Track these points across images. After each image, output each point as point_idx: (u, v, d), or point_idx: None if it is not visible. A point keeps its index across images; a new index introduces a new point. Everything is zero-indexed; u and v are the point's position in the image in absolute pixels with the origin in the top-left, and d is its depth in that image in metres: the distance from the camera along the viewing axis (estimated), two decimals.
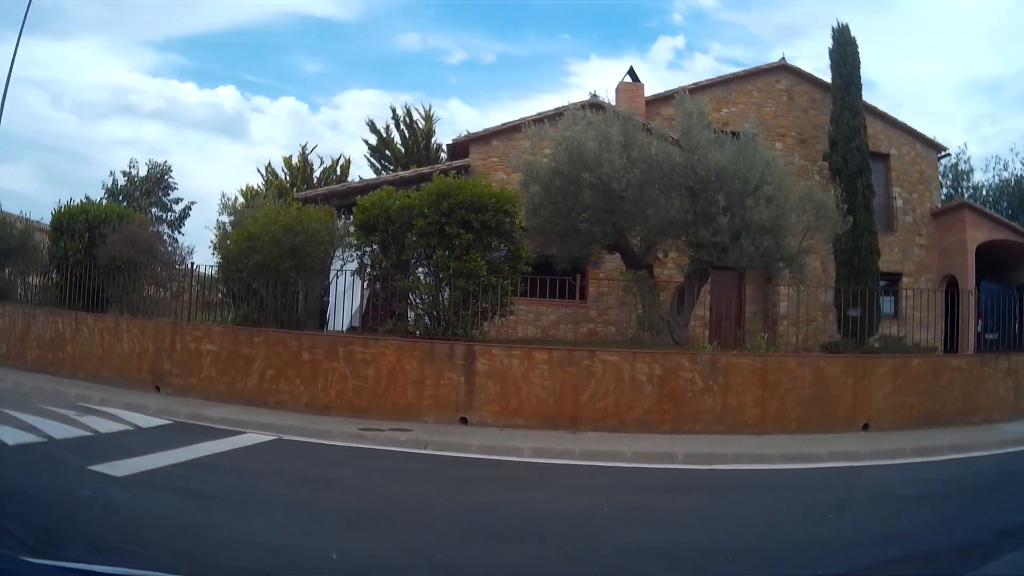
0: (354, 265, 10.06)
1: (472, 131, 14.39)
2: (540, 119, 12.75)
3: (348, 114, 52.15)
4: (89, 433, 7.25)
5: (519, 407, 8.56)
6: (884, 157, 18.72)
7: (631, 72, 16.60)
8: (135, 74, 56.86)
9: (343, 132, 57.71)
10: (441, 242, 9.59)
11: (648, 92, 16.63)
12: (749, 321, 16.25)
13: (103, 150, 54.34)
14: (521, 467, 7.01)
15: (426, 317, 9.76)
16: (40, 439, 6.72)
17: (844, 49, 17.63)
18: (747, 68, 18.13)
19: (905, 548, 4.02)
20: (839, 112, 17.32)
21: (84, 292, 11.18)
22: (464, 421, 8.63)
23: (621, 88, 16.64)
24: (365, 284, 10.27)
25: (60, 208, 11.81)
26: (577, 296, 13.57)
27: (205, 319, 10.60)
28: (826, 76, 17.35)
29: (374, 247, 9.83)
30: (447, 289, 9.66)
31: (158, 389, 9.87)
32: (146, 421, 8.21)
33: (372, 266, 9.87)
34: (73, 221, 11.58)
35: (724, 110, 17.13)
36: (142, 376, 10.08)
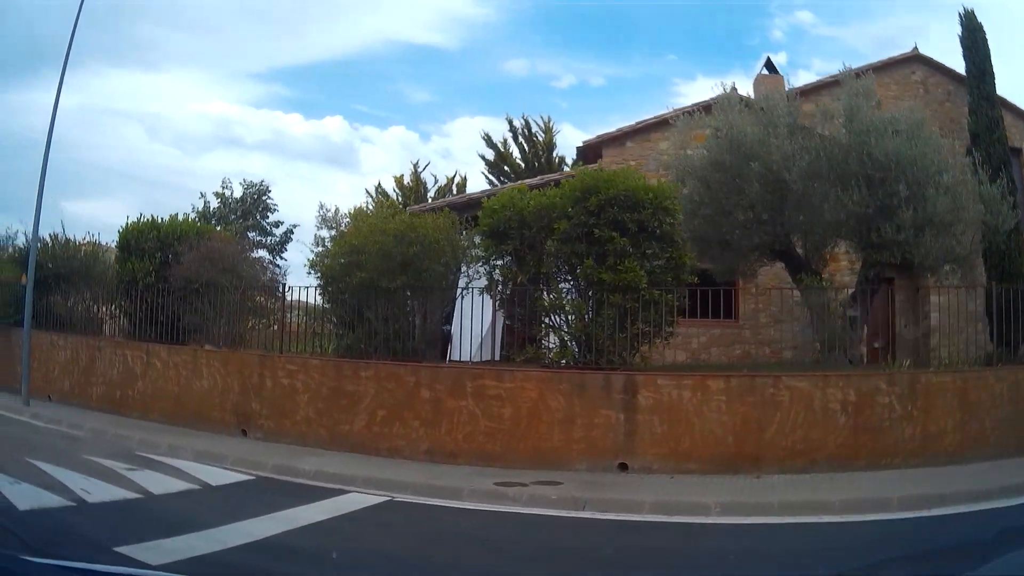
0: (482, 282, 8.22)
1: (604, 132, 12.81)
2: (690, 111, 10.98)
3: (459, 142, 49.92)
4: (136, 495, 5.85)
5: (691, 448, 7.27)
6: (1016, 152, 16.62)
7: (768, 64, 14.72)
8: (237, 106, 55.69)
9: (455, 160, 58.01)
10: (590, 249, 7.78)
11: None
12: (901, 333, 14.02)
13: (208, 183, 54.11)
14: (717, 532, 5.55)
15: (573, 342, 7.82)
16: (66, 502, 5.38)
17: (973, 35, 15.74)
18: (880, 60, 15.98)
19: None
20: (977, 103, 15.37)
21: (156, 320, 9.83)
22: (623, 467, 7.29)
23: (759, 81, 14.75)
24: (496, 304, 8.42)
25: (127, 225, 10.36)
26: (724, 315, 11.57)
27: (301, 350, 8.93)
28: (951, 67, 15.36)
29: (506, 258, 7.98)
30: (596, 307, 7.75)
31: (244, 433, 8.66)
32: (219, 476, 6.83)
33: (504, 282, 8.01)
34: (142, 239, 10.28)
35: None
36: (225, 417, 8.92)
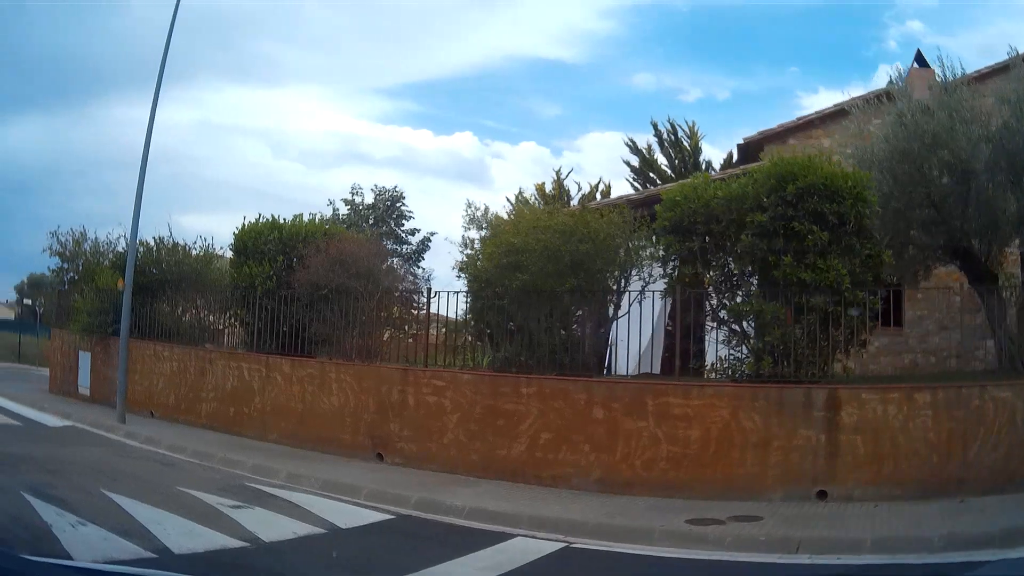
0: (658, 285, 7.29)
1: (766, 128, 12.02)
2: (865, 98, 10.11)
3: (590, 157, 49.26)
4: (238, 542, 4.67)
5: (893, 471, 6.50)
6: None
7: (919, 57, 13.59)
8: (364, 122, 57.49)
9: (588, 175, 57.18)
10: (788, 245, 6.75)
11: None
12: None
13: (336, 198, 56.79)
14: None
15: (769, 352, 6.82)
16: (140, 552, 4.19)
17: None
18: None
19: None
20: None
21: (277, 330, 9.10)
22: (822, 496, 6.47)
23: (912, 75, 13.65)
24: (669, 309, 7.47)
25: (243, 226, 9.71)
26: (892, 322, 10.61)
27: (449, 363, 8.08)
28: None
29: (692, 256, 7.05)
30: (795, 311, 6.78)
31: (380, 457, 7.96)
32: (350, 515, 5.81)
33: (685, 284, 7.07)
34: (261, 241, 9.61)
35: None
36: (358, 440, 8.22)
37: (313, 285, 8.63)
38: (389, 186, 23.21)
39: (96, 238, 13.73)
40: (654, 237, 7.51)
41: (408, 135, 54.29)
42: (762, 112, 59.82)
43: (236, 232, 10.01)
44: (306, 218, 10.41)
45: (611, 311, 7.71)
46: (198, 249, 11.58)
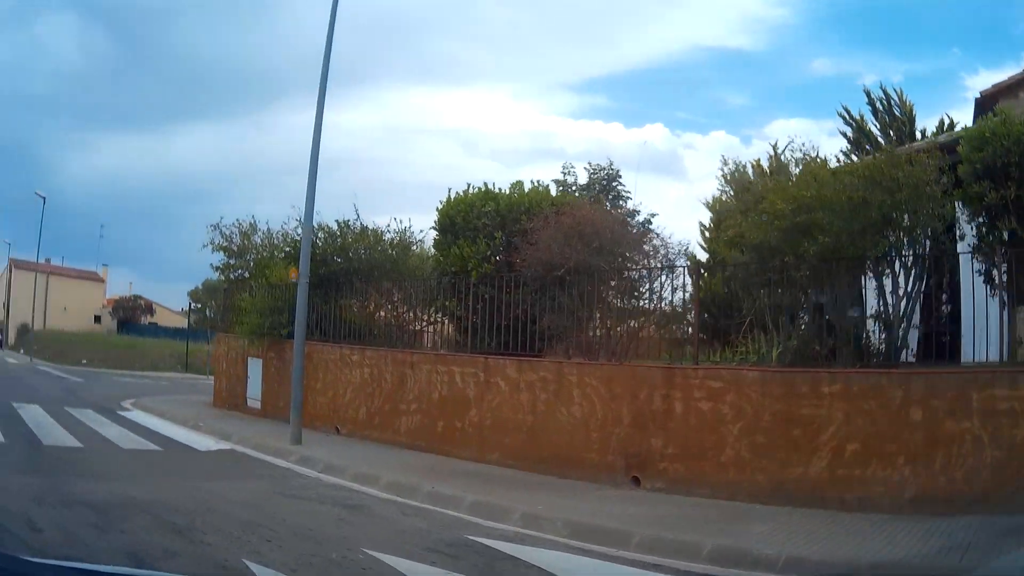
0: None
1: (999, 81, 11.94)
2: None
3: (780, 144, 59.76)
4: None
5: None
6: None
7: None
8: (555, 117, 78.33)
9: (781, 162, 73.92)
10: None
11: None
12: None
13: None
14: None
15: None
16: None
17: None
18: None
19: None
20: None
21: (496, 324, 10.53)
22: None
23: None
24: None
25: (450, 199, 11.29)
26: None
27: (727, 359, 9.04)
28: None
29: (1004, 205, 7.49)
30: None
31: (636, 482, 8.87)
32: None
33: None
34: (473, 214, 11.12)
35: None
36: (607, 460, 9.21)
37: (544, 265, 9.93)
38: (604, 163, 25.09)
39: (268, 228, 16.35)
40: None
41: (600, 129, 68.71)
42: (931, 94, 76.25)
43: (441, 206, 11.60)
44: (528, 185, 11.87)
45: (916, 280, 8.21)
46: (392, 233, 13.54)
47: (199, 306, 44.92)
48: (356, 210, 13.82)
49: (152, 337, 54.49)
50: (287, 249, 14.92)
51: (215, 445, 11.83)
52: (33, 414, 13.65)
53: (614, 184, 24.64)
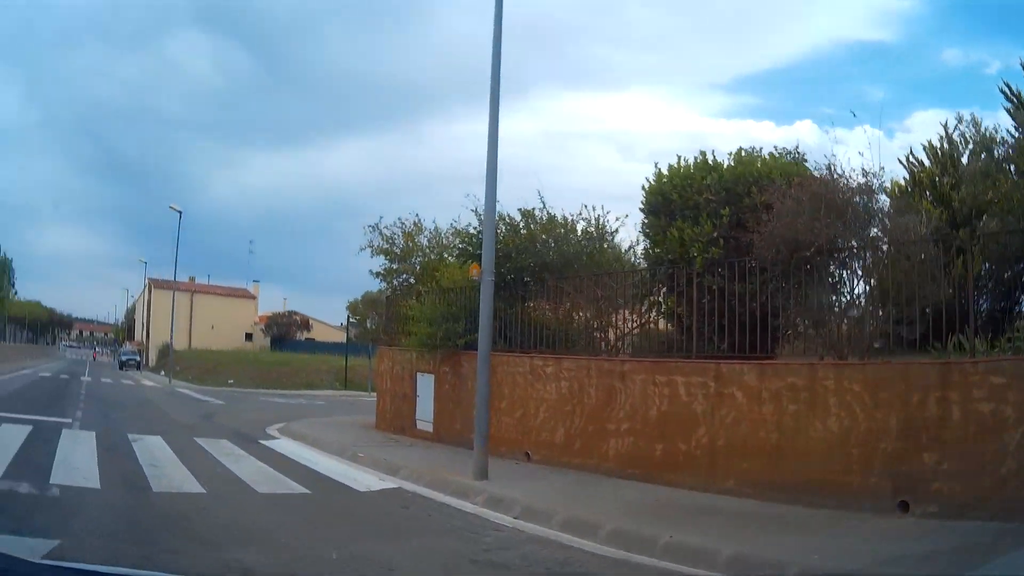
0: None
1: None
2: None
3: (921, 136, 65.61)
4: None
5: None
6: None
7: None
8: (708, 118, 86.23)
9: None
10: None
11: None
12: None
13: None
14: None
15: None
16: None
17: None
18: None
19: None
20: None
21: (730, 321, 9.77)
22: None
23: None
24: None
25: (659, 174, 10.58)
26: None
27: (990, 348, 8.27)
28: None
29: None
30: None
31: (904, 508, 8.15)
32: None
33: None
34: (692, 189, 10.31)
35: None
36: (869, 483, 8.54)
37: (788, 244, 8.97)
38: (790, 146, 25.02)
39: (436, 227, 16.02)
40: None
41: (751, 128, 70.42)
42: None
43: (649, 185, 10.87)
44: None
45: None
46: (584, 222, 12.92)
47: (358, 319, 46.14)
48: (540, 197, 13.30)
49: (308, 353, 56.71)
50: (460, 245, 14.47)
51: (379, 482, 10.87)
52: (151, 448, 12.72)
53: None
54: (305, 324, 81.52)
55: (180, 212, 43.70)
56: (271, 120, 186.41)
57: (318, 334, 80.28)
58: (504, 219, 13.13)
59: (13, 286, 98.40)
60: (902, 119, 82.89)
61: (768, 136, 76.54)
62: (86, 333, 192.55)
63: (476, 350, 11.16)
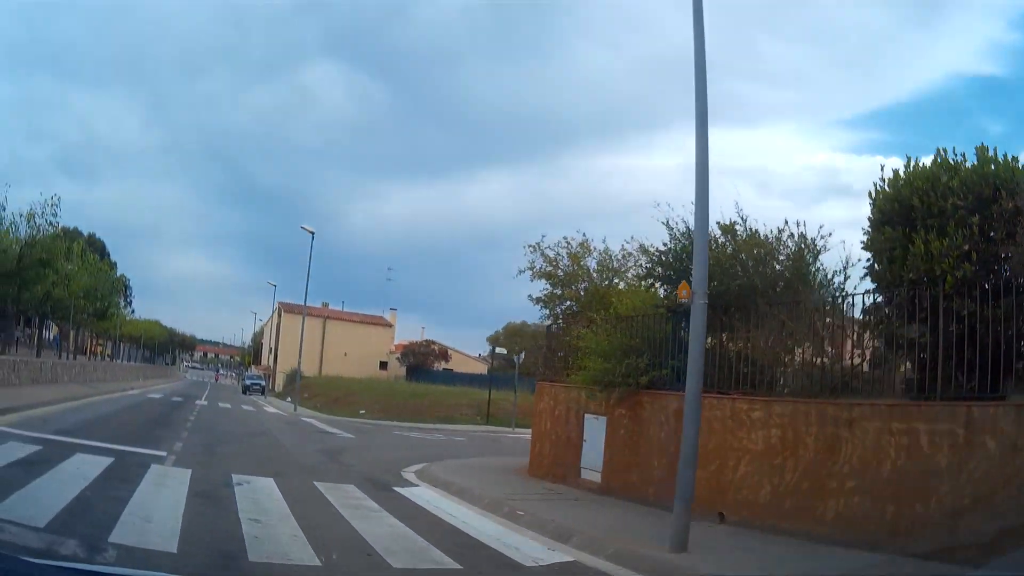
0: None
1: None
2: None
3: None
4: None
5: None
6: None
7: None
8: (839, 154, 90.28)
9: None
10: None
11: None
12: None
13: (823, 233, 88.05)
14: None
15: None
16: None
17: None
18: None
19: None
20: None
21: (981, 355, 9.01)
22: None
23: None
24: None
25: (895, 176, 9.91)
26: None
27: None
28: None
29: None
30: None
31: None
32: None
33: None
34: (936, 195, 9.69)
35: None
36: None
37: None
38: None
39: (606, 248, 15.47)
40: None
41: (880, 164, 72.42)
42: None
43: (881, 189, 10.06)
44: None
45: None
46: (791, 240, 12.18)
47: (504, 351, 46.32)
48: (739, 211, 12.62)
49: (445, 384, 56.69)
50: (646, 265, 13.78)
51: (547, 553, 9.68)
52: (257, 495, 11.48)
53: None
54: (443, 354, 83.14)
55: (312, 233, 45.21)
56: (408, 151, 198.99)
57: (456, 365, 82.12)
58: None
59: (130, 304, 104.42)
60: (1019, 150, 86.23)
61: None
62: (210, 355, 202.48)
63: (659, 389, 10.94)
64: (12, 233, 35.25)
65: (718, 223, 12.66)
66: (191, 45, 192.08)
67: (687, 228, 12.55)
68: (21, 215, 35.53)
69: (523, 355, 39.31)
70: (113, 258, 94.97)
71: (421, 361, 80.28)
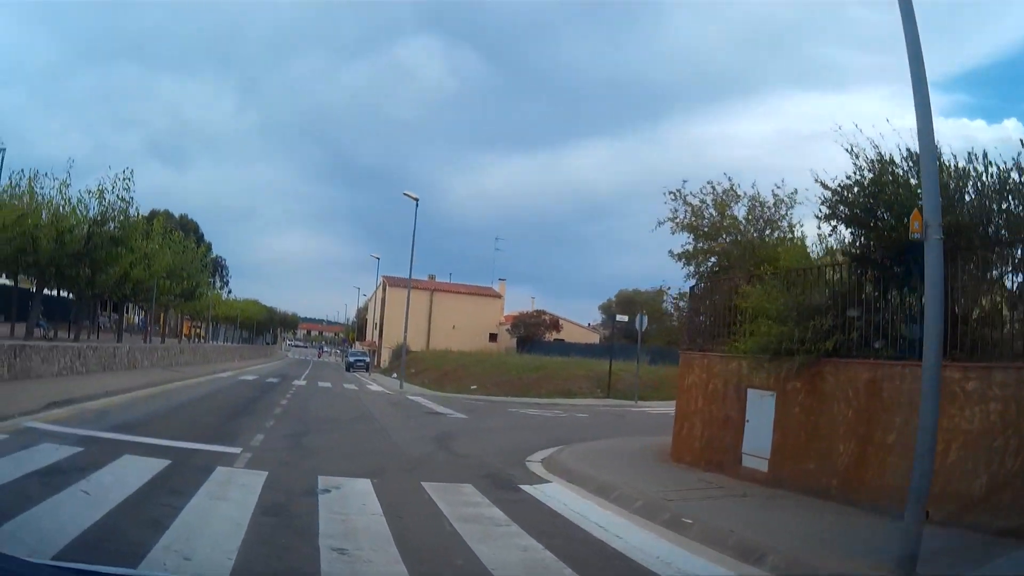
0: None
1: None
2: None
3: None
4: None
5: None
6: None
7: None
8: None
9: None
10: None
11: None
12: None
13: None
14: None
15: None
16: None
17: None
18: None
19: None
20: None
21: None
22: None
23: None
24: None
25: None
26: None
27: None
28: None
29: None
30: None
31: None
32: None
33: None
34: None
35: None
36: None
37: None
38: (1002, 144, 22.91)
39: (756, 193, 13.95)
40: None
41: (966, 127, 61.68)
42: None
43: None
44: None
45: None
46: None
47: (624, 318, 44.82)
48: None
49: (559, 355, 55.19)
50: (821, 204, 12.02)
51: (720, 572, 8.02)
52: (347, 505, 9.69)
53: None
54: (554, 324, 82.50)
55: (416, 199, 44.06)
56: (507, 123, 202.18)
57: (567, 335, 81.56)
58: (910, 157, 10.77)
59: (227, 285, 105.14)
60: None
61: (980, 135, 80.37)
62: (314, 333, 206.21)
63: (843, 358, 10.08)
64: (80, 211, 33.17)
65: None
66: (281, 27, 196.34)
67: (879, 156, 11.03)
68: (90, 191, 33.60)
69: (645, 321, 37.11)
70: (207, 239, 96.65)
71: (532, 332, 79.77)
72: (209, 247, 76.01)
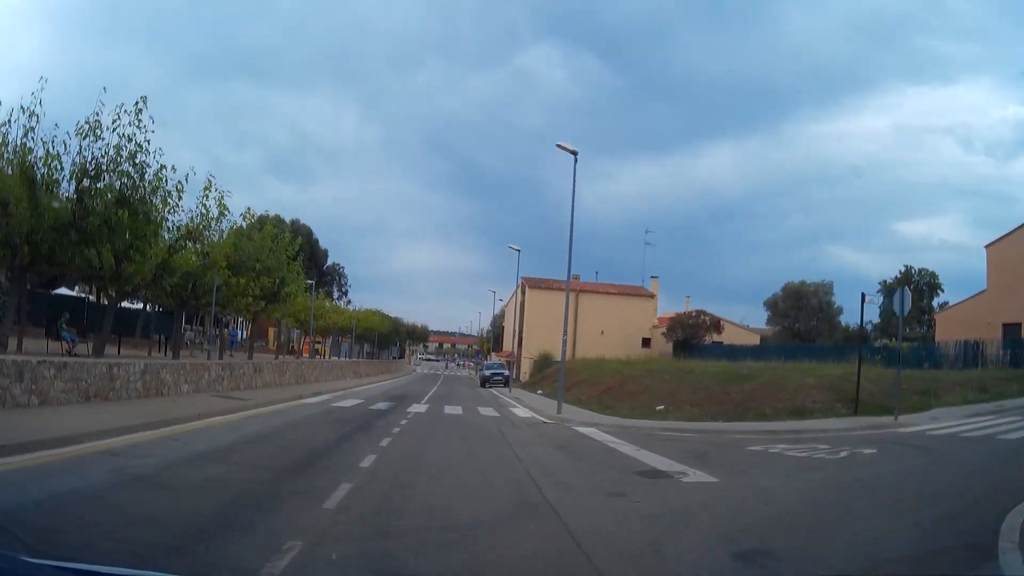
0: None
1: None
2: None
3: None
4: None
5: None
6: None
7: None
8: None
9: None
10: None
11: None
12: None
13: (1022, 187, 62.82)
14: None
15: None
16: None
17: None
18: None
19: None
20: None
21: None
22: None
23: None
24: None
25: None
26: None
27: None
28: None
29: None
30: None
31: None
32: None
33: None
34: None
35: None
36: None
37: None
38: None
39: None
40: None
41: None
42: None
43: None
44: None
45: None
46: None
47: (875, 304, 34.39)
48: None
49: (727, 360, 45.31)
50: None
51: None
52: None
53: None
54: (715, 325, 70.32)
55: (575, 153, 30.46)
56: (634, 128, 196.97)
57: (727, 336, 71.33)
58: None
59: (346, 295, 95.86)
60: None
61: None
62: (445, 345, 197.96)
63: None
64: (68, 164, 21.14)
65: None
66: (400, 40, 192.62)
67: None
68: (81, 128, 21.02)
69: (909, 299, 23.76)
70: (322, 245, 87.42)
71: (691, 334, 68.20)
72: (326, 253, 66.57)
